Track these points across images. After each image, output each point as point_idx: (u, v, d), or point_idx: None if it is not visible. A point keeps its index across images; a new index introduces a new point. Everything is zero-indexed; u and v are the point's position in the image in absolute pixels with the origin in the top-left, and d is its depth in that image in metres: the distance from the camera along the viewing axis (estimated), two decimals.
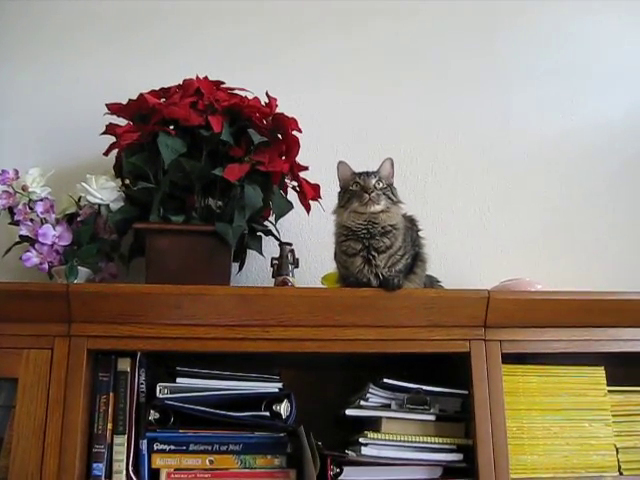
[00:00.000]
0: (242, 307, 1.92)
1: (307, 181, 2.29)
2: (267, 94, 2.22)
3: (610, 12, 2.84)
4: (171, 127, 2.12)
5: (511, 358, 2.01)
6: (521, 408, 2.02)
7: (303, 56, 2.69)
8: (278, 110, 2.25)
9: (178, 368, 1.98)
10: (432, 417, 2.01)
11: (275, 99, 2.23)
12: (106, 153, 2.21)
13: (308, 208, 2.29)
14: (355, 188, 2.01)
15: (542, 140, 2.70)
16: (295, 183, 2.31)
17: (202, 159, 2.15)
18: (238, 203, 2.14)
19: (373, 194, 1.98)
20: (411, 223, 2.09)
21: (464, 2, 2.76)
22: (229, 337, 1.92)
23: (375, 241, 1.98)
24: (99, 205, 2.19)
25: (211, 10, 2.71)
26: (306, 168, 2.29)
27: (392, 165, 2.05)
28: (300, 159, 2.28)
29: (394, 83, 2.68)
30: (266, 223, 2.33)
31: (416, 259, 2.07)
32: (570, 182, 2.66)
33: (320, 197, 2.31)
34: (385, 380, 2.00)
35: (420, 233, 2.11)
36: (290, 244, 2.28)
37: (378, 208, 1.99)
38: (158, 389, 1.95)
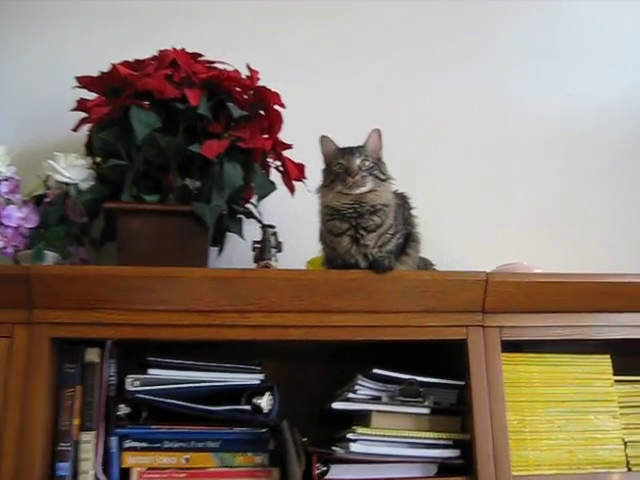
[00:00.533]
0: (219, 291, 1.72)
1: (291, 160, 2.09)
2: (248, 66, 2.03)
3: None
4: (146, 102, 1.93)
5: (511, 346, 1.83)
6: (522, 400, 1.83)
7: (287, 32, 2.51)
8: (260, 85, 2.03)
9: (150, 358, 1.78)
10: (426, 410, 1.82)
11: (256, 72, 2.04)
12: (75, 129, 2.01)
13: (292, 189, 2.09)
14: (338, 170, 1.82)
15: (539, 120, 2.53)
16: (278, 163, 2.10)
17: (178, 135, 1.95)
18: (217, 182, 1.95)
19: (357, 177, 1.79)
20: (402, 200, 1.90)
21: None
22: (205, 324, 1.73)
23: (363, 220, 1.79)
24: (68, 185, 1.98)
25: None
26: (290, 146, 2.10)
27: (380, 137, 1.85)
28: (283, 137, 2.09)
29: (383, 61, 2.51)
30: (248, 206, 2.12)
31: (408, 239, 1.88)
32: (569, 163, 2.50)
33: (305, 177, 2.11)
34: (375, 370, 1.80)
35: (412, 212, 1.92)
36: (273, 226, 2.08)
37: (364, 190, 1.80)
38: (128, 381, 1.75)
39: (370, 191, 1.79)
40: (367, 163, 1.80)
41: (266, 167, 2.10)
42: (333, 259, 1.82)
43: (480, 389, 1.75)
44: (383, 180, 1.82)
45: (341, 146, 1.85)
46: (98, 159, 2.01)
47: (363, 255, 1.79)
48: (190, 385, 1.78)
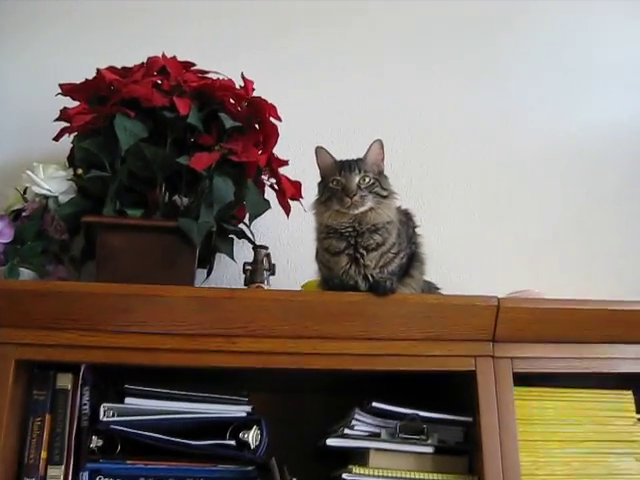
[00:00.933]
0: (204, 312, 1.54)
1: (287, 178, 1.91)
2: (242, 76, 1.86)
3: (617, 8, 2.52)
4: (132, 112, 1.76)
5: (524, 379, 1.63)
6: (536, 439, 1.62)
7: (285, 42, 2.35)
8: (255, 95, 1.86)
9: (127, 386, 1.60)
10: (430, 449, 1.62)
11: (251, 82, 1.87)
12: (56, 138, 1.84)
13: (287, 209, 1.92)
14: (335, 186, 1.64)
15: (547, 139, 2.35)
16: (273, 180, 1.91)
17: (166, 146, 1.78)
18: (206, 197, 1.77)
19: (356, 197, 1.60)
20: (406, 217, 1.72)
21: None
22: (187, 349, 1.54)
23: (363, 239, 1.62)
24: (47, 198, 1.81)
25: None
26: (286, 163, 1.94)
27: (382, 148, 1.68)
28: (279, 151, 1.93)
29: (387, 75, 2.35)
30: (239, 225, 1.94)
31: (412, 259, 1.70)
32: (580, 184, 2.31)
33: (302, 196, 1.93)
34: (374, 404, 1.61)
35: (417, 230, 1.73)
36: (266, 247, 1.90)
37: (363, 209, 1.62)
38: (102, 410, 1.57)
39: (370, 209, 1.62)
40: (367, 180, 1.62)
41: (260, 185, 1.92)
42: (329, 279, 1.64)
43: (490, 426, 1.55)
44: (385, 197, 1.64)
45: (339, 159, 1.68)
46: (80, 171, 1.83)
47: (363, 276, 1.61)
48: (170, 416, 1.59)
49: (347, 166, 1.64)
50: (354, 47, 2.35)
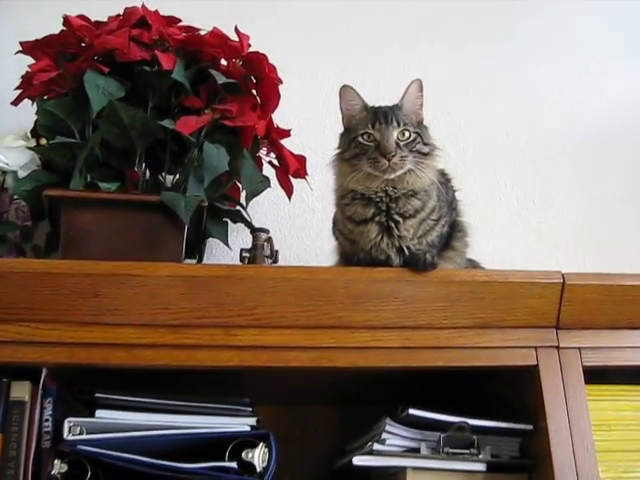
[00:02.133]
0: (194, 297, 1.15)
1: (289, 151, 1.51)
2: (237, 30, 1.46)
3: None
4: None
5: (594, 374, 1.23)
6: (616, 449, 1.22)
7: (292, 9, 1.95)
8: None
9: (97, 395, 1.18)
10: (482, 466, 1.21)
11: (247, 36, 1.47)
12: (15, 102, 1.45)
13: (290, 189, 1.54)
14: (367, 142, 1.24)
15: (575, 118, 1.98)
16: (273, 156, 1.51)
17: (147, 109, 1.39)
18: (195, 168, 1.36)
19: (395, 159, 1.21)
20: (444, 178, 1.33)
21: None
22: (173, 343, 1.14)
23: (398, 204, 1.24)
24: (4, 173, 1.39)
25: None
26: (288, 133, 1.57)
27: (420, 90, 1.31)
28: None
29: (400, 48, 1.96)
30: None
31: (454, 229, 1.32)
32: (615, 165, 1.94)
33: (307, 173, 1.55)
34: (411, 411, 1.20)
35: (456, 194, 1.32)
36: (267, 231, 1.50)
37: (401, 172, 1.23)
38: (66, 427, 1.15)
39: (409, 171, 1.23)
40: (407, 135, 1.25)
41: (258, 162, 1.52)
42: (353, 255, 1.24)
43: (560, 434, 1.15)
44: (426, 155, 1.25)
45: (371, 104, 1.30)
46: (44, 141, 1.42)
47: (397, 249, 1.22)
48: (154, 433, 1.18)
49: (382, 116, 1.25)
50: (367, 10, 1.99)
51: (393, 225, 1.21)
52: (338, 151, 1.30)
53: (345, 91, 1.30)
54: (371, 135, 1.24)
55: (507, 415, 1.22)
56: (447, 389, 1.27)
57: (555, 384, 1.17)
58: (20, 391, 1.14)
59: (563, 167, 1.89)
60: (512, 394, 1.26)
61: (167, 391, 1.19)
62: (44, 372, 1.15)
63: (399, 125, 1.24)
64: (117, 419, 1.16)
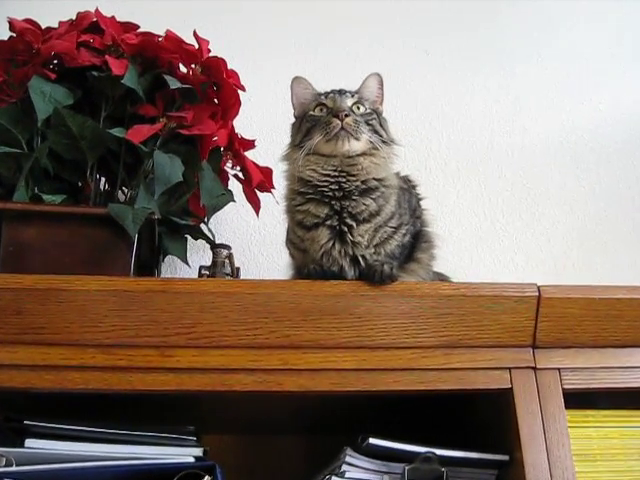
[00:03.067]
0: (127, 313, 1.01)
1: (254, 162, 1.39)
2: (195, 35, 1.33)
3: None
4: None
5: (577, 398, 1.07)
6: None
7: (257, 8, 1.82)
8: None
9: (26, 422, 1.03)
10: None
11: (206, 41, 1.35)
12: None
13: (257, 203, 1.41)
14: (319, 113, 1.13)
15: (562, 129, 1.83)
16: (238, 169, 1.39)
17: (100, 120, 1.26)
18: (147, 179, 1.24)
19: (349, 119, 1.09)
20: (408, 185, 1.17)
21: None
22: (104, 365, 1.00)
23: (352, 202, 1.09)
24: None
25: None
26: (252, 144, 1.42)
27: (380, 84, 1.19)
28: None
29: (378, 58, 1.81)
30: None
31: (418, 239, 1.17)
32: (599, 178, 1.79)
33: (273, 186, 1.40)
34: (372, 441, 1.05)
35: (422, 203, 1.17)
36: (228, 247, 1.35)
37: (357, 146, 1.11)
38: None
39: (365, 153, 1.11)
40: (362, 109, 1.14)
41: (222, 175, 1.40)
42: (304, 267, 1.09)
43: (537, 466, 0.99)
44: (385, 142, 1.13)
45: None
46: None
47: (351, 258, 1.08)
48: (89, 464, 1.02)
49: (336, 91, 1.16)
50: (337, 13, 1.86)
51: (346, 229, 1.08)
52: (288, 145, 1.19)
53: (297, 81, 1.20)
54: (324, 105, 1.14)
55: (481, 444, 1.07)
56: (412, 417, 1.12)
57: (532, 409, 1.02)
58: None
59: (551, 180, 1.74)
60: (485, 421, 1.11)
61: (104, 418, 1.05)
62: None
63: (353, 97, 1.14)
64: (49, 449, 1.02)
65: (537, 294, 1.04)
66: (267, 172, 1.41)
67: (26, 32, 1.26)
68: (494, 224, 1.68)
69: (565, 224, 1.70)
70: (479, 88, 1.82)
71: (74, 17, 1.35)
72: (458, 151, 1.74)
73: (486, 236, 1.66)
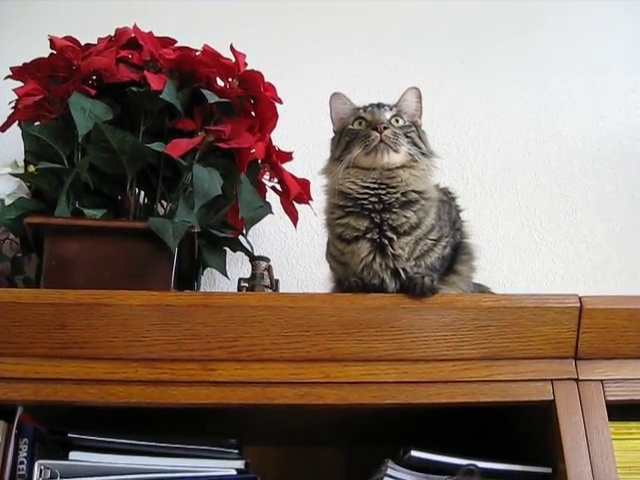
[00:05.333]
0: (169, 328, 1.02)
1: (292, 175, 1.40)
2: (232, 48, 1.35)
3: None
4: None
5: (621, 410, 1.07)
6: None
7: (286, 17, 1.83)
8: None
9: (70, 435, 1.05)
10: None
11: (243, 55, 1.36)
12: (2, 128, 1.35)
13: (294, 215, 1.42)
14: (358, 127, 1.13)
15: (599, 136, 1.81)
16: (276, 180, 1.40)
17: (139, 135, 1.28)
18: (187, 192, 1.26)
19: (388, 132, 1.09)
20: (448, 197, 1.19)
21: None
22: (147, 379, 1.02)
23: (392, 215, 1.09)
24: None
25: None
26: (290, 156, 1.43)
27: (419, 98, 1.20)
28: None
29: (414, 67, 1.83)
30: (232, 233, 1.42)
31: (458, 251, 1.17)
32: (638, 185, 1.76)
33: (311, 198, 1.42)
34: (414, 453, 1.05)
35: (462, 214, 1.18)
36: (267, 259, 1.37)
37: (396, 159, 1.11)
38: (37, 470, 1.02)
39: (404, 165, 1.12)
40: (401, 121, 1.15)
41: (260, 187, 1.41)
42: (345, 280, 1.10)
43: (580, 479, 0.98)
44: (425, 154, 1.15)
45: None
46: (32, 168, 1.32)
47: (392, 271, 1.08)
48: (132, 477, 1.04)
49: (374, 104, 1.17)
50: (372, 25, 1.86)
51: (387, 242, 1.08)
52: (328, 159, 1.20)
53: (335, 97, 1.21)
54: (362, 119, 1.15)
55: (523, 457, 1.07)
56: (452, 430, 1.12)
57: (575, 421, 1.01)
58: None
59: (589, 188, 1.72)
60: (527, 433, 1.10)
61: (147, 430, 1.07)
62: (19, 410, 1.04)
63: (392, 110, 1.15)
64: (93, 462, 1.04)
65: (579, 305, 1.04)
66: (304, 184, 1.42)
67: (66, 49, 1.28)
68: (532, 233, 1.66)
69: (604, 232, 1.68)
70: (515, 96, 1.81)
71: (113, 33, 1.39)
72: (495, 160, 1.73)
73: (524, 245, 1.65)
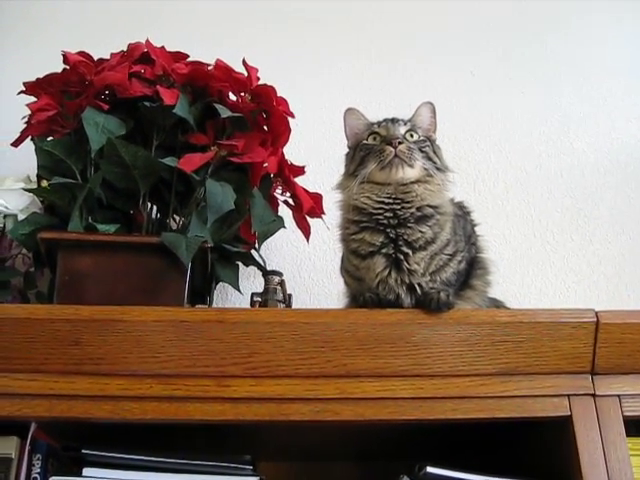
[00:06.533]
0: (184, 343, 1.02)
1: (304, 189, 1.39)
2: (244, 63, 1.35)
3: None
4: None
5: (638, 426, 1.06)
6: None
7: (297, 36, 1.84)
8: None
9: (84, 451, 1.04)
10: None
11: (255, 69, 1.35)
12: (16, 143, 1.36)
13: (307, 229, 1.42)
14: (372, 142, 1.14)
15: (611, 148, 1.80)
16: (288, 194, 1.40)
17: (152, 149, 1.28)
18: (199, 207, 1.27)
19: (402, 147, 1.09)
20: (462, 211, 1.18)
21: None
22: (161, 395, 1.01)
23: (407, 230, 1.09)
24: (5, 217, 1.30)
25: None
26: (302, 170, 1.43)
27: (433, 113, 1.20)
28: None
29: (425, 80, 1.83)
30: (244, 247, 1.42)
31: (473, 266, 1.16)
32: None
33: (323, 212, 1.42)
34: (429, 469, 1.03)
35: (477, 229, 1.18)
36: (279, 274, 1.37)
37: (411, 174, 1.11)
38: None
39: (419, 180, 1.11)
40: (415, 136, 1.15)
41: (273, 201, 1.42)
42: (359, 295, 1.09)
43: None
44: (439, 169, 1.15)
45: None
46: (45, 183, 1.32)
47: (407, 286, 1.07)
48: None
49: (389, 119, 1.17)
50: (383, 39, 1.87)
51: (402, 257, 1.07)
52: (342, 174, 1.20)
53: (349, 112, 1.21)
54: (377, 134, 1.15)
55: (539, 473, 1.06)
56: (471, 443, 1.11)
57: (592, 437, 1.00)
58: (6, 446, 1.02)
59: (601, 200, 1.72)
60: (544, 448, 1.09)
61: (163, 446, 1.06)
62: (33, 426, 1.04)
63: (406, 125, 1.15)
64: (107, 478, 1.03)
65: (595, 320, 1.03)
66: (317, 198, 1.42)
67: (79, 64, 1.29)
68: (544, 246, 1.65)
69: (617, 244, 1.68)
70: (526, 108, 1.80)
71: (125, 48, 1.39)
72: (506, 173, 1.73)
73: (536, 258, 1.64)
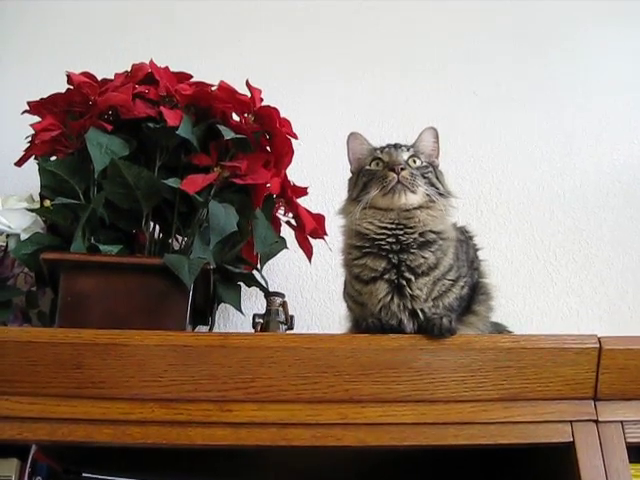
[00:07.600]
0: (185, 367, 1.02)
1: (306, 210, 1.40)
2: (248, 84, 1.35)
3: None
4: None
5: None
6: None
7: (300, 46, 1.86)
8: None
9: (85, 475, 1.06)
10: None
11: (259, 90, 1.36)
12: (19, 163, 1.37)
13: (309, 250, 1.42)
14: (375, 167, 1.13)
15: (613, 169, 1.79)
16: (290, 215, 1.40)
17: (155, 170, 1.29)
18: (202, 228, 1.28)
19: (405, 173, 1.09)
20: (465, 236, 1.18)
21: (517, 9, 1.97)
22: (163, 420, 1.01)
23: (410, 255, 1.08)
24: (7, 236, 1.30)
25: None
26: (305, 191, 1.43)
27: (436, 138, 1.20)
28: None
29: (427, 100, 1.83)
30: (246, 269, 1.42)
31: (476, 291, 1.16)
32: None
33: (325, 233, 1.42)
34: None
35: (479, 253, 1.19)
36: (282, 295, 1.37)
37: (413, 200, 1.11)
38: None
39: (421, 206, 1.11)
40: (418, 162, 1.15)
41: (275, 222, 1.42)
42: (362, 321, 1.09)
43: None
44: (442, 194, 1.15)
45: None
46: (48, 203, 1.32)
47: (410, 312, 1.07)
48: None
49: (391, 145, 1.17)
50: (385, 59, 1.88)
51: (404, 283, 1.07)
52: (345, 199, 1.19)
53: (353, 137, 1.20)
54: (379, 159, 1.15)
55: None
56: (473, 469, 1.11)
57: (595, 463, 1.00)
58: (6, 469, 1.01)
59: (604, 221, 1.71)
60: (546, 475, 1.08)
61: (164, 470, 1.06)
62: (33, 448, 1.04)
63: (409, 150, 1.15)
64: None
65: (598, 346, 1.03)
66: (319, 219, 1.42)
67: (83, 85, 1.29)
68: (546, 267, 1.65)
69: (619, 265, 1.67)
70: (528, 129, 1.80)
71: (129, 68, 1.40)
72: (509, 193, 1.72)
73: (539, 279, 1.63)
